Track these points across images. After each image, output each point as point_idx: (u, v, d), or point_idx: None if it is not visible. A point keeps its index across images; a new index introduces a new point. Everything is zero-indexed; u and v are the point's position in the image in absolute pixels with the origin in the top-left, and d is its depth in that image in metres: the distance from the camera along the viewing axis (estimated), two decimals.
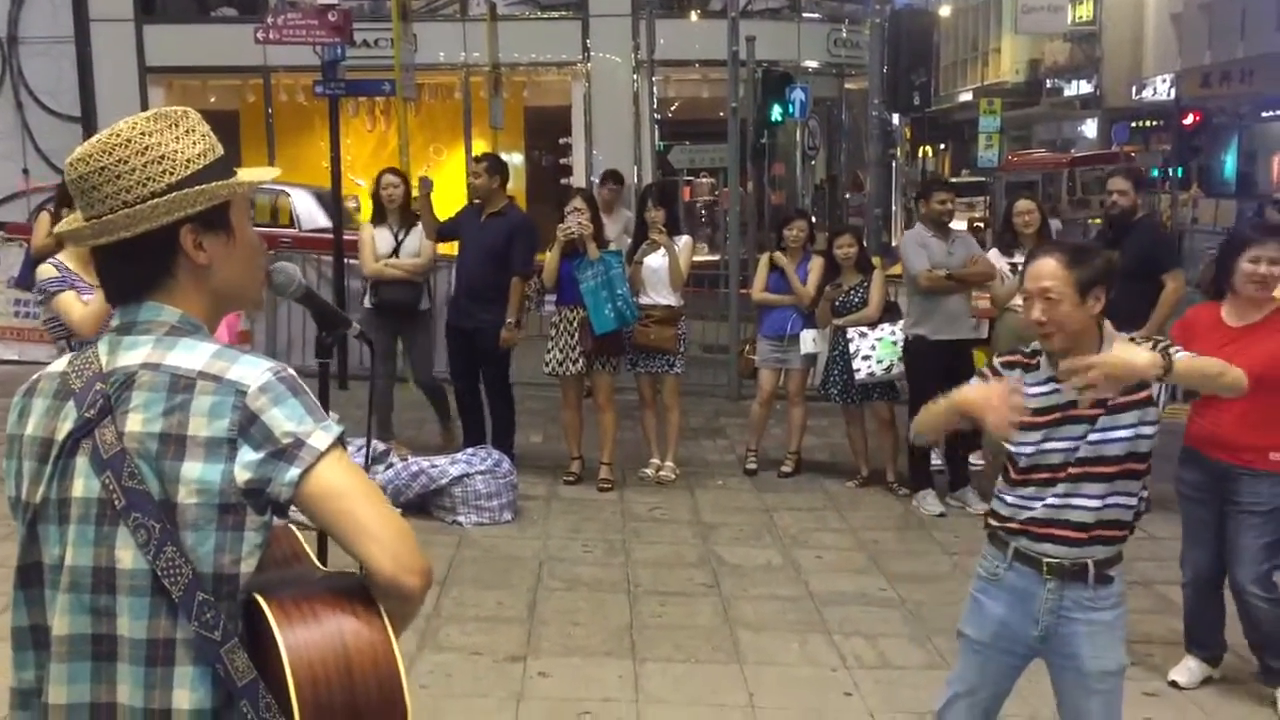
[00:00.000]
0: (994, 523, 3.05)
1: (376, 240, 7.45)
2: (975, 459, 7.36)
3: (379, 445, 6.98)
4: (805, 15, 20.04)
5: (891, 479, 7.22)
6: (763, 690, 4.49)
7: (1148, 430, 2.89)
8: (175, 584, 1.58)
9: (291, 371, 1.68)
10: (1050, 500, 2.91)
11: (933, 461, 7.11)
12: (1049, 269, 2.87)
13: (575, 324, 7.06)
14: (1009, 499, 3.01)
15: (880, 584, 5.67)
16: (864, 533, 6.45)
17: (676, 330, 7.30)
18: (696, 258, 7.94)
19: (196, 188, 1.68)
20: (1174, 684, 4.49)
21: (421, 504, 6.52)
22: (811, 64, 18.89)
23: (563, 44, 17.72)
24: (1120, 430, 2.87)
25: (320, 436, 1.62)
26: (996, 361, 3.08)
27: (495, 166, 7.33)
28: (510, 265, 7.14)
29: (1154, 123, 40.87)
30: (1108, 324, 2.94)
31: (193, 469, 1.59)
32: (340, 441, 1.64)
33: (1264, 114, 37.80)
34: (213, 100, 18.70)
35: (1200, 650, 4.54)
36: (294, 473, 1.60)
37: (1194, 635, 4.57)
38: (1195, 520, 4.45)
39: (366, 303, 7.58)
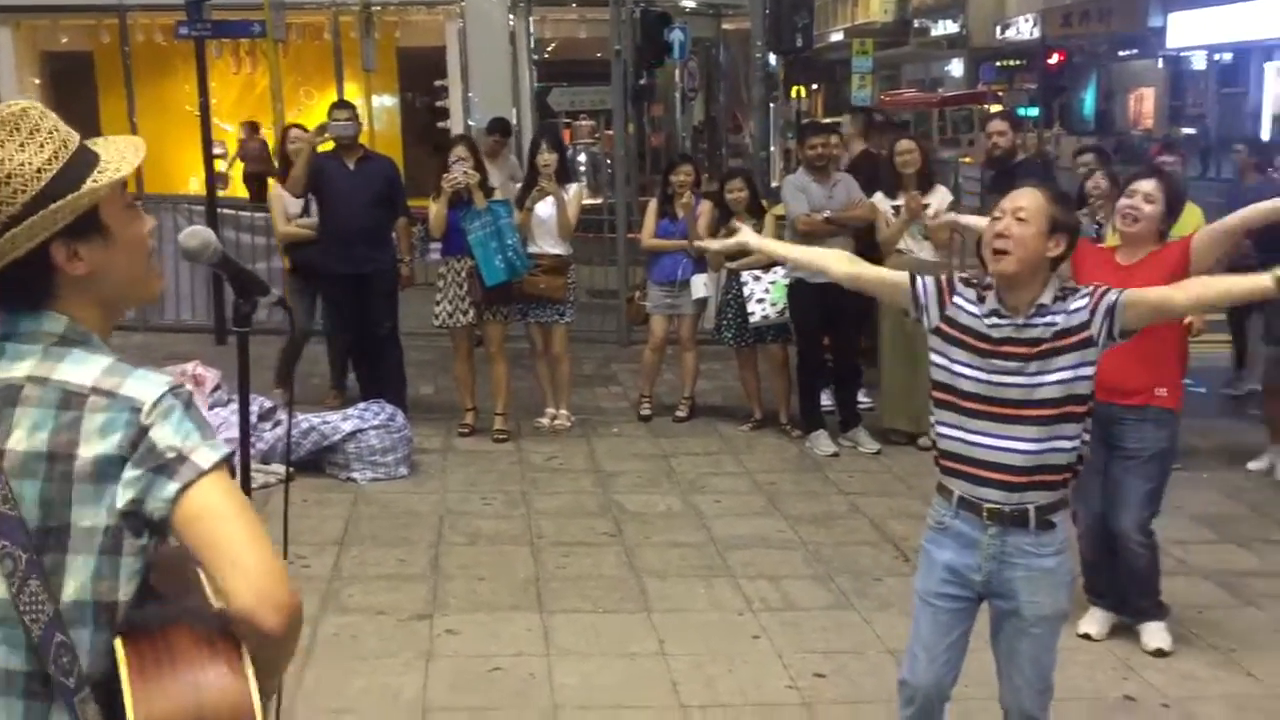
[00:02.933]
0: (942, 462, 3.05)
1: (285, 201, 7.34)
2: (864, 398, 7.49)
3: (265, 402, 6.78)
4: None
5: (785, 421, 7.31)
6: (672, 637, 4.52)
7: (1087, 371, 2.89)
8: (35, 622, 1.47)
9: (189, 388, 1.58)
10: (980, 439, 2.93)
11: (823, 402, 7.22)
12: (1029, 195, 2.94)
13: (463, 274, 6.94)
14: (944, 430, 3.03)
15: (780, 526, 5.75)
16: (760, 475, 6.53)
17: (566, 279, 7.24)
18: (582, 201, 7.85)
19: (52, 207, 1.52)
20: (1086, 636, 4.48)
21: (315, 461, 6.37)
22: (689, 4, 18.76)
23: None
24: (1057, 372, 2.87)
25: (204, 454, 1.52)
26: (956, 276, 3.10)
27: (356, 114, 7.35)
28: (395, 207, 7.24)
29: (1019, 62, 41.79)
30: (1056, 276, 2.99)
31: (82, 491, 1.49)
32: (227, 462, 1.54)
33: (1120, 53, 39.09)
34: (64, 41, 17.72)
35: (1102, 600, 4.57)
36: (171, 488, 1.49)
37: (1094, 585, 4.57)
38: (1084, 469, 4.46)
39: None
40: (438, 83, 17.54)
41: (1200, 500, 5.98)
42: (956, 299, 3.00)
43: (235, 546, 1.50)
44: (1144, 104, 40.49)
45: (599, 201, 12.93)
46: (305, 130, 7.47)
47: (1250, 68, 34.18)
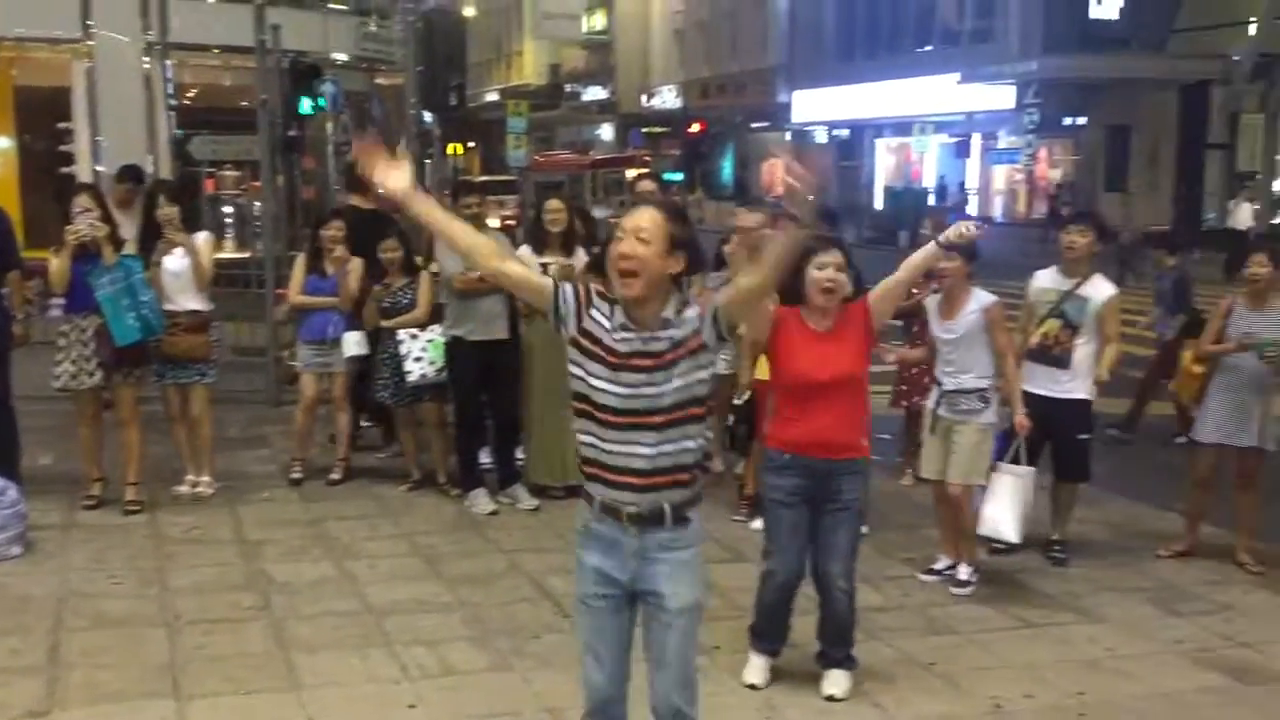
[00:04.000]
0: (584, 469, 3.17)
1: None
2: (520, 454, 7.51)
3: None
4: (332, 6, 19.51)
5: (443, 480, 7.20)
6: (324, 714, 4.29)
7: (703, 374, 3.09)
8: None
9: None
10: (613, 447, 3.06)
11: (482, 460, 7.18)
12: (649, 215, 3.05)
13: (90, 333, 6.39)
14: (583, 438, 3.14)
15: (438, 589, 5.63)
16: (419, 537, 6.38)
17: (208, 337, 6.83)
18: (226, 255, 7.47)
19: None
20: (753, 686, 4.56)
21: None
22: (340, 56, 18.43)
23: (58, 19, 15.94)
24: (679, 379, 3.04)
25: None
26: (594, 288, 3.17)
27: None
28: (5, 260, 6.61)
29: (664, 129, 43.99)
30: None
31: None
32: None
33: (753, 125, 42.06)
34: None
35: (768, 645, 4.69)
36: None
37: (766, 634, 4.66)
38: (789, 524, 4.48)
39: None
40: (61, 125, 16.20)
41: None
42: (593, 311, 3.10)
43: None
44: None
45: (247, 255, 12.34)
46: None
47: (864, 143, 37.78)
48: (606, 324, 3.06)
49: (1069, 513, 6.26)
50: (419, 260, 7.30)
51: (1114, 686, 4.70)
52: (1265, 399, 5.96)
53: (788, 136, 39.95)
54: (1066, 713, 4.46)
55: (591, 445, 3.10)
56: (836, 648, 4.64)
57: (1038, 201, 31.32)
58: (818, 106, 37.46)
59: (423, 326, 6.99)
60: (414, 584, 5.68)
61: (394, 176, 3.10)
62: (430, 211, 3.20)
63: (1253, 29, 27.85)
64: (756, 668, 4.65)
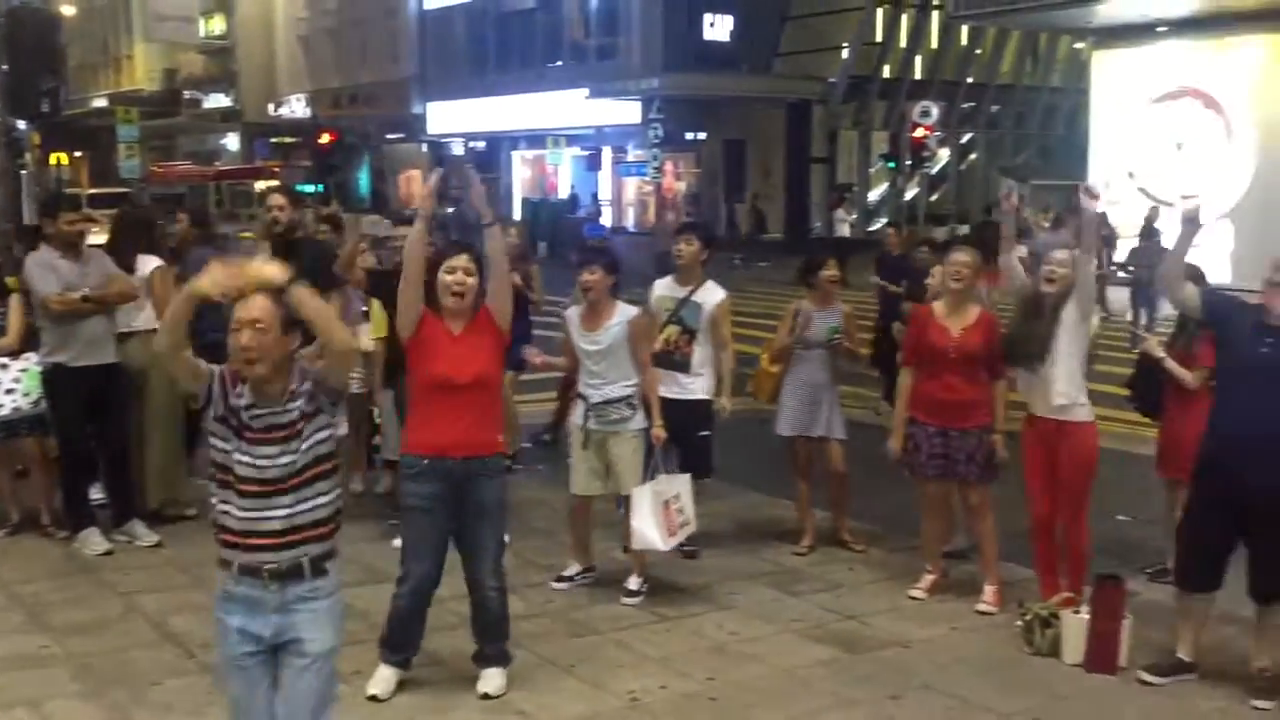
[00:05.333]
0: (222, 536, 3.26)
1: None
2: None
3: None
4: None
5: (47, 521, 6.56)
6: None
7: (326, 434, 3.30)
8: None
9: None
10: (252, 514, 3.21)
11: (93, 496, 6.60)
12: (259, 305, 3.16)
13: None
14: (223, 507, 3.25)
15: (42, 641, 5.11)
16: (19, 586, 5.77)
17: None
18: None
19: None
20: (374, 698, 4.49)
21: None
22: None
23: None
24: (308, 442, 3.24)
25: None
26: (227, 370, 3.27)
27: None
28: None
29: (293, 139, 42.51)
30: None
31: None
32: None
33: (389, 136, 41.50)
34: None
35: (398, 656, 4.62)
36: None
37: (397, 644, 4.62)
38: (427, 529, 4.52)
39: None
40: None
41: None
42: (240, 388, 3.24)
43: None
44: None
45: None
46: None
47: (501, 155, 38.22)
48: (243, 402, 3.23)
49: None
50: (9, 281, 6.62)
51: (741, 668, 4.99)
52: (833, 392, 6.48)
53: (424, 148, 39.73)
54: (698, 699, 4.69)
55: (229, 514, 3.24)
56: (493, 643, 4.71)
57: (667, 212, 32.91)
58: (453, 118, 37.52)
59: (14, 354, 6.34)
60: (14, 638, 5.13)
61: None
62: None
63: (845, 53, 30.68)
64: (383, 679, 4.60)
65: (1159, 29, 23.09)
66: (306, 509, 3.24)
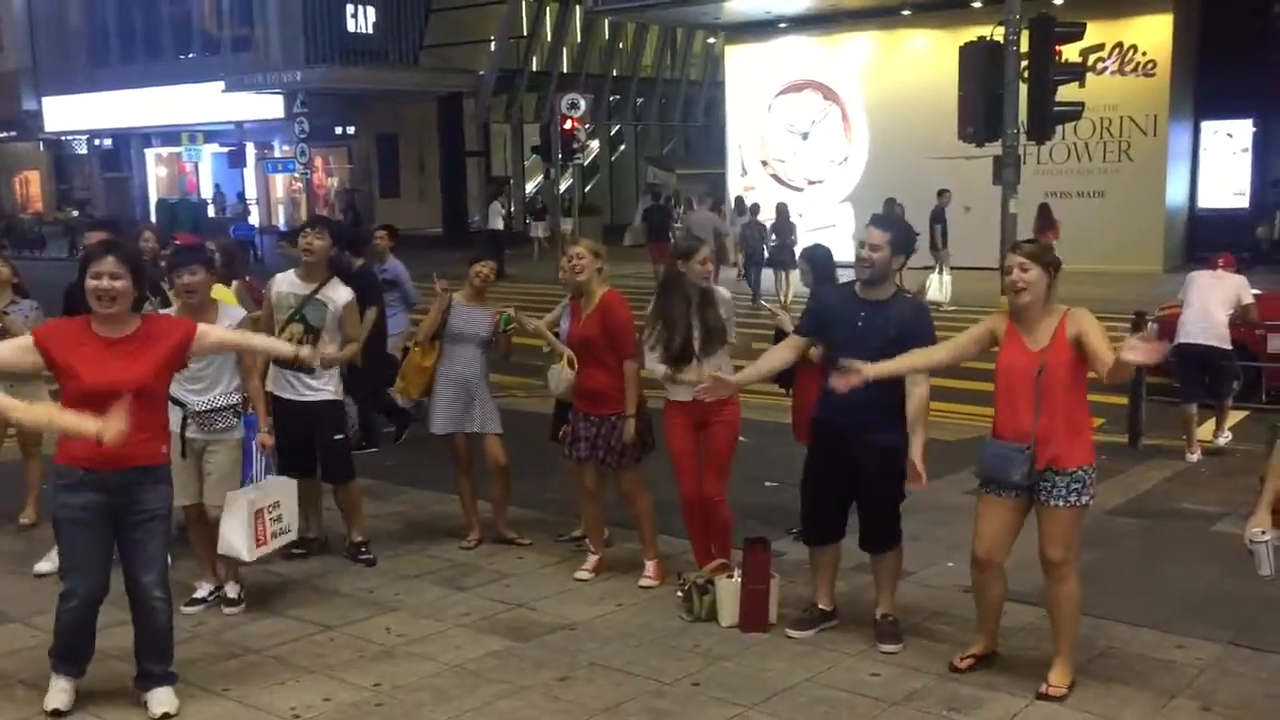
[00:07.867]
0: None
1: None
2: None
3: None
4: None
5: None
6: None
7: None
8: None
9: None
10: None
11: None
12: None
13: None
14: None
15: None
16: None
17: None
18: None
19: None
20: (57, 712, 4.33)
21: None
22: None
23: None
24: None
25: None
26: None
27: None
28: None
29: None
30: None
31: None
32: None
33: (1, 134, 37.69)
34: None
35: (73, 668, 4.44)
36: None
37: (69, 655, 4.43)
38: (88, 541, 4.30)
39: None
40: None
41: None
42: None
43: None
44: (31, 187, 39.66)
45: None
46: None
47: (131, 153, 35.62)
48: None
49: (357, 513, 6.34)
50: None
51: (409, 670, 4.89)
52: (485, 386, 6.42)
53: (41, 147, 36.42)
54: (364, 706, 4.55)
55: None
56: (159, 663, 4.50)
57: (320, 208, 31.87)
58: (74, 114, 34.59)
59: None
60: None
61: None
62: None
63: (493, 46, 30.81)
64: (60, 691, 4.39)
65: (780, 25, 24.77)
66: None
